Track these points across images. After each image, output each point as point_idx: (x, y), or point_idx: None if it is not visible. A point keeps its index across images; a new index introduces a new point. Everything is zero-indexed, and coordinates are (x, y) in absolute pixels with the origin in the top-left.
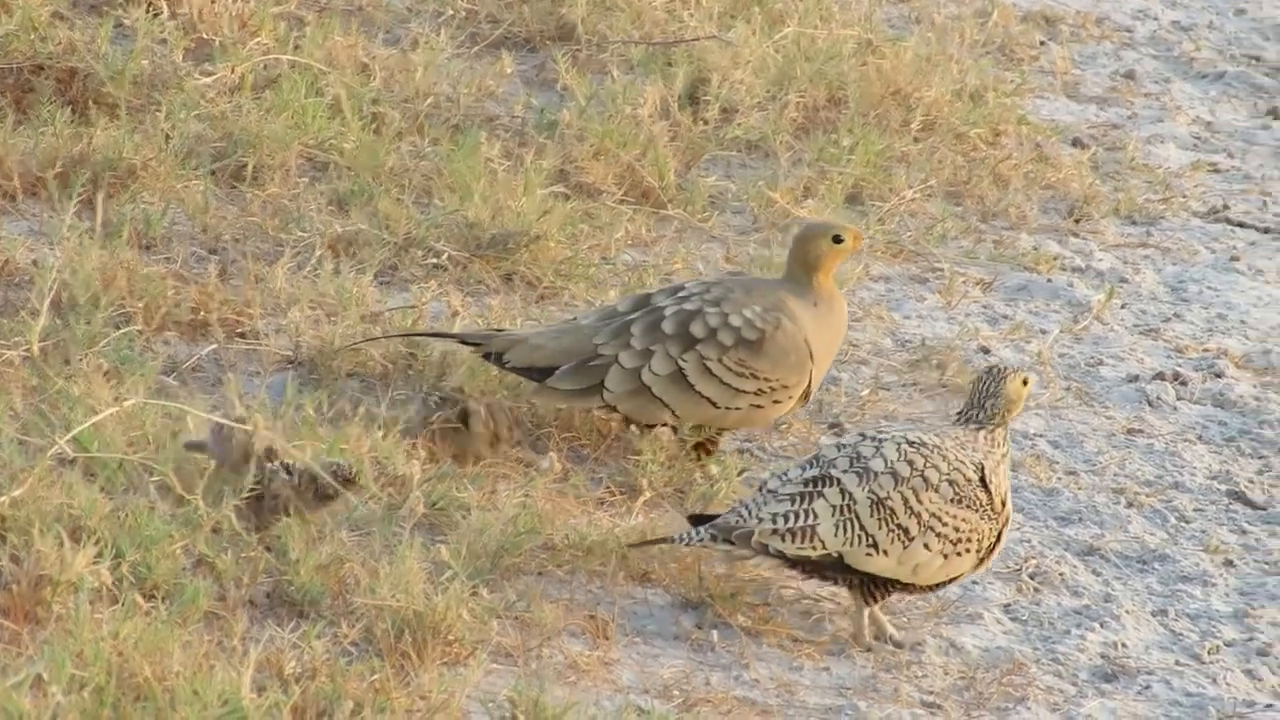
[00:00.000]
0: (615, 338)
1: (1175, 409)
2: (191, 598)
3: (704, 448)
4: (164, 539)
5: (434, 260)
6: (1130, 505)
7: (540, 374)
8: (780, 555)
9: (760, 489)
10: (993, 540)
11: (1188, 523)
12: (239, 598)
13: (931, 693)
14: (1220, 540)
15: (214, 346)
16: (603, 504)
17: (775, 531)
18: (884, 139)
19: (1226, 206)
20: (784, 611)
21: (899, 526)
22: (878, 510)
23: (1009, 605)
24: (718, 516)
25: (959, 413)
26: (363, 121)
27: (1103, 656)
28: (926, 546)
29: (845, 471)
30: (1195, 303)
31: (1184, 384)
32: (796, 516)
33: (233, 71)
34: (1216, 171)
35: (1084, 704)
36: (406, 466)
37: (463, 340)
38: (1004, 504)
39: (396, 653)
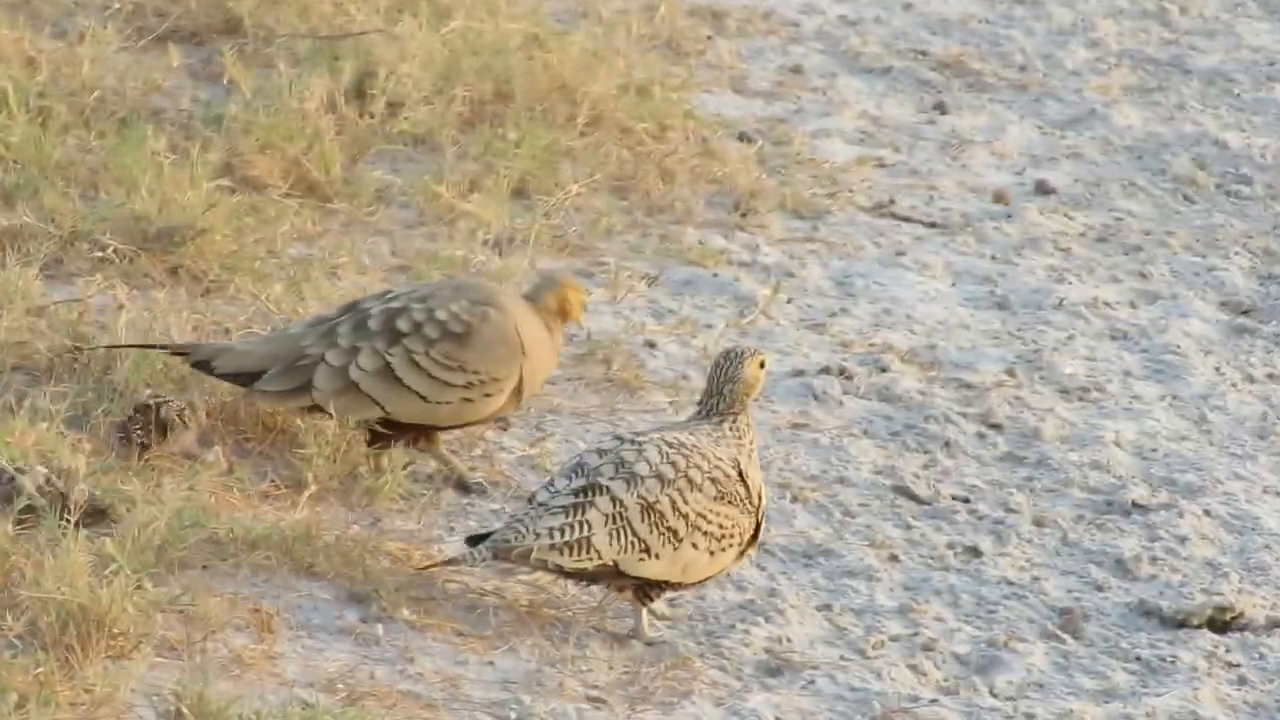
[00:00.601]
0: (322, 338)
1: (841, 404)
2: None
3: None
4: None
5: (100, 254)
6: (795, 500)
7: (249, 378)
8: (559, 569)
9: (530, 501)
10: (752, 532)
11: (853, 517)
12: None
13: (596, 687)
14: (885, 535)
15: None
16: (268, 498)
17: (553, 546)
18: (550, 133)
19: (893, 201)
20: (449, 606)
21: (668, 529)
22: (648, 515)
23: (673, 600)
24: (491, 535)
25: (699, 403)
26: (29, 115)
27: (767, 651)
28: (694, 545)
29: (612, 478)
30: (861, 297)
31: (850, 379)
32: (571, 529)
33: None
34: (883, 166)
35: (749, 699)
36: (72, 460)
37: (169, 350)
38: (760, 496)
39: (61, 646)
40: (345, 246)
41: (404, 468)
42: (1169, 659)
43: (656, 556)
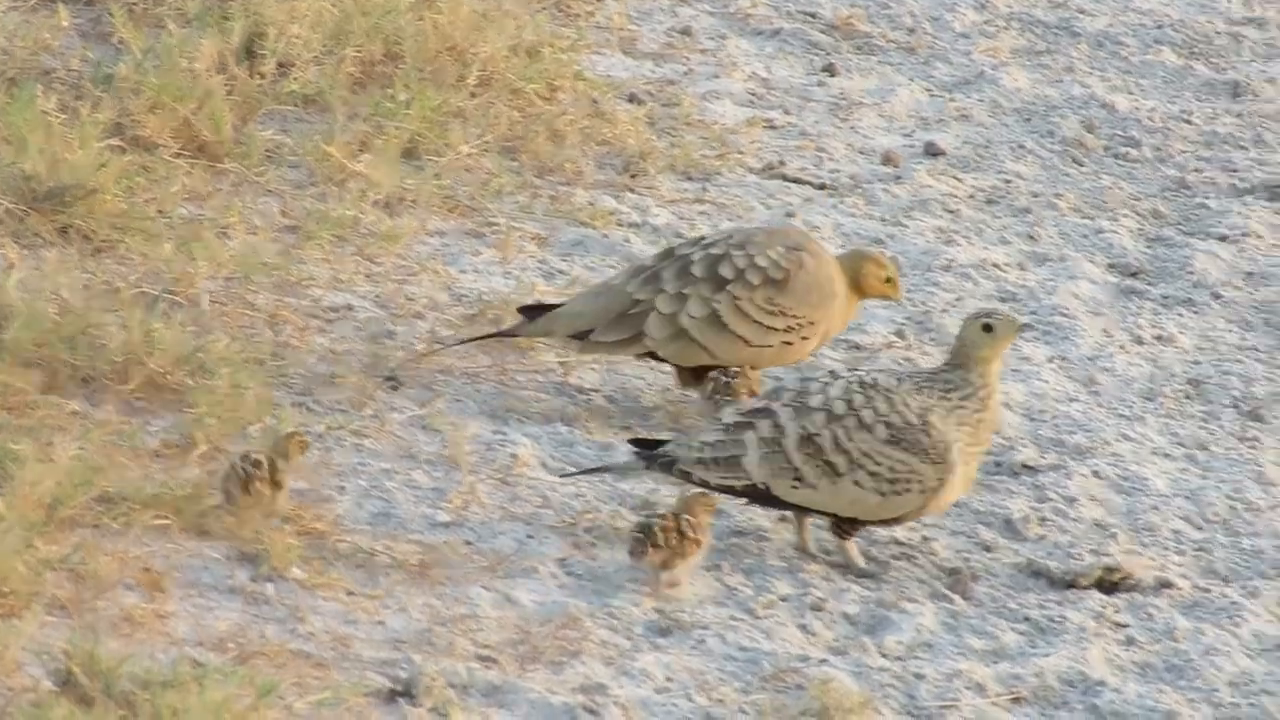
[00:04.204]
0: (646, 285)
1: None
2: None
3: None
4: None
5: None
6: None
7: (587, 334)
8: (704, 484)
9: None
10: (937, 482)
11: None
12: None
13: (487, 646)
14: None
15: None
16: (158, 457)
17: (700, 460)
18: (440, 94)
19: (782, 163)
20: (340, 565)
21: (825, 462)
22: (805, 445)
23: (564, 559)
24: (661, 444)
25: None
26: None
27: (657, 611)
28: (857, 484)
29: (784, 405)
30: None
31: None
32: (724, 446)
33: None
34: (772, 128)
35: (638, 658)
36: None
37: (496, 335)
38: (949, 451)
39: None
40: (235, 207)
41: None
42: (1057, 619)
43: (813, 486)
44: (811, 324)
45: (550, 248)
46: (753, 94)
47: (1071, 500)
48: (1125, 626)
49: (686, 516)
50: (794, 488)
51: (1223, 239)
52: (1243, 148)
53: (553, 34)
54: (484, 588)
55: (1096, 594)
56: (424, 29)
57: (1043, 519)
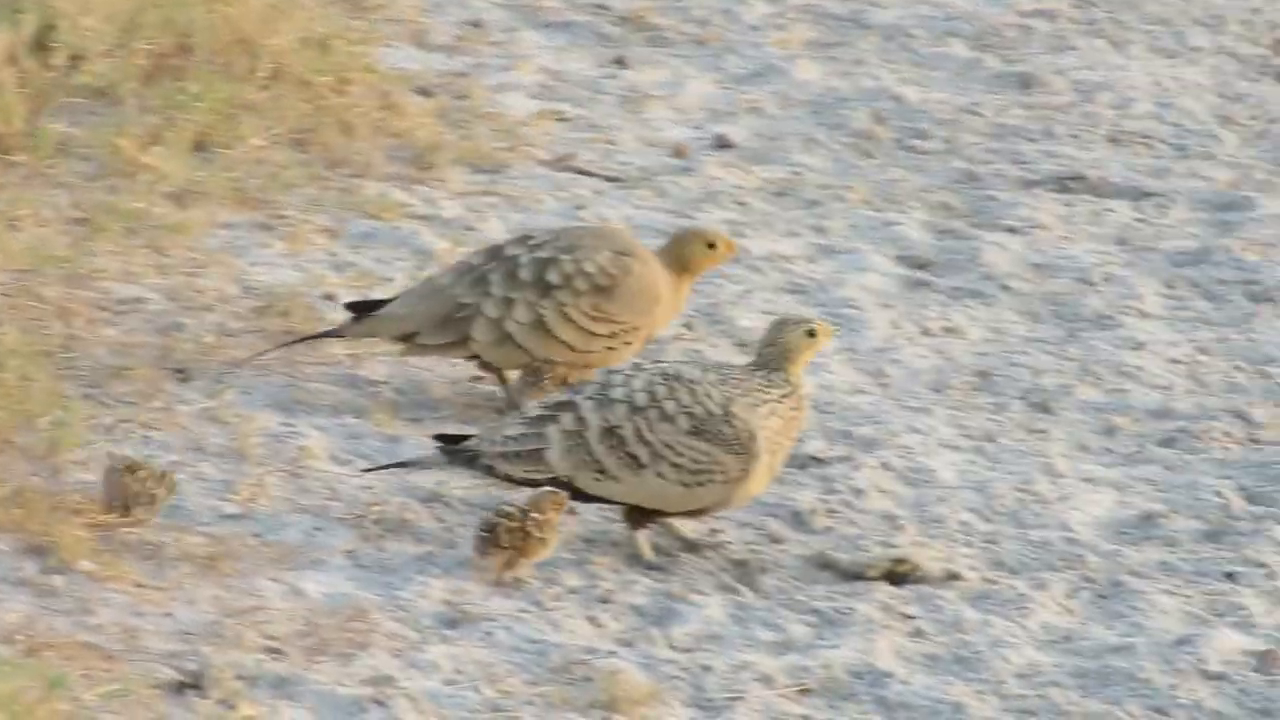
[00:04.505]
0: (474, 288)
1: None
2: None
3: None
4: None
5: None
6: None
7: (413, 336)
8: (508, 478)
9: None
10: (740, 473)
11: None
12: None
13: (275, 638)
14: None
15: None
16: None
17: (504, 454)
18: (231, 86)
19: (573, 155)
20: (129, 557)
21: (628, 454)
22: (607, 438)
23: (352, 551)
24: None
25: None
26: None
27: (446, 603)
28: (660, 475)
29: (587, 398)
30: None
31: None
32: (528, 439)
33: None
34: (563, 120)
35: (427, 650)
36: None
37: (320, 336)
38: (753, 440)
39: None
40: (26, 199)
41: (85, 419)
42: (845, 611)
43: (615, 479)
44: (635, 329)
45: (340, 240)
46: (543, 86)
47: (859, 492)
48: (913, 618)
49: (534, 514)
50: (597, 480)
51: (1011, 231)
52: (1032, 140)
53: (344, 26)
54: (272, 580)
55: (884, 586)
56: (215, 21)
57: (831, 511)
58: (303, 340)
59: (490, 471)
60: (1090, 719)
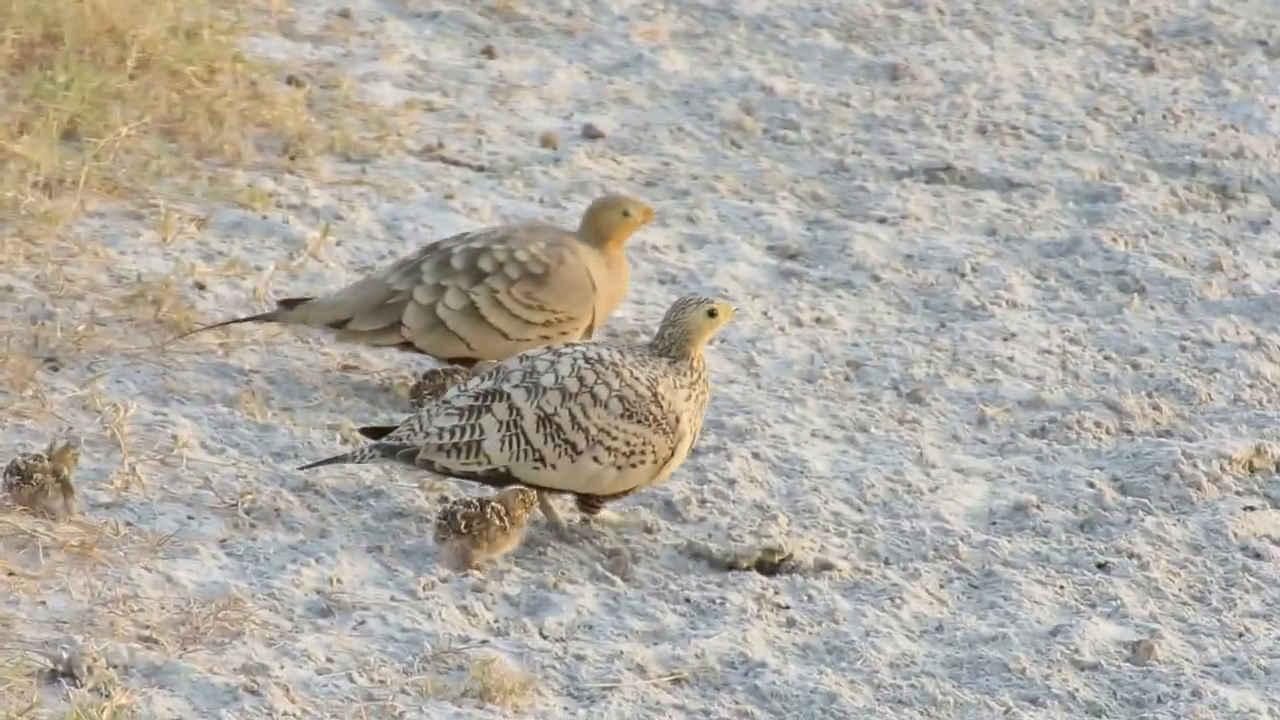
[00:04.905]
0: (407, 276)
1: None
2: None
3: None
4: None
5: None
6: (345, 441)
7: (344, 324)
8: (446, 471)
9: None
10: (669, 453)
11: None
12: None
13: (148, 627)
14: (435, 478)
15: None
16: None
17: (441, 447)
18: (100, 76)
19: (441, 145)
20: (0, 546)
21: (566, 441)
22: (544, 425)
23: (225, 540)
24: (390, 430)
25: (652, 342)
26: None
27: (318, 592)
28: (596, 460)
29: (516, 386)
30: (410, 240)
31: None
32: (463, 431)
33: None
34: (431, 110)
35: (300, 639)
36: None
37: (255, 319)
38: (678, 422)
39: None
40: None
41: None
42: (718, 601)
43: (553, 467)
44: (571, 319)
45: (210, 229)
46: (412, 76)
47: (732, 482)
48: (786, 608)
49: (495, 505)
50: (535, 469)
51: (881, 221)
52: (901, 131)
53: (212, 16)
54: (145, 568)
55: (757, 575)
56: (83, 11)
57: (703, 501)
58: (236, 322)
59: (429, 466)
60: (963, 709)
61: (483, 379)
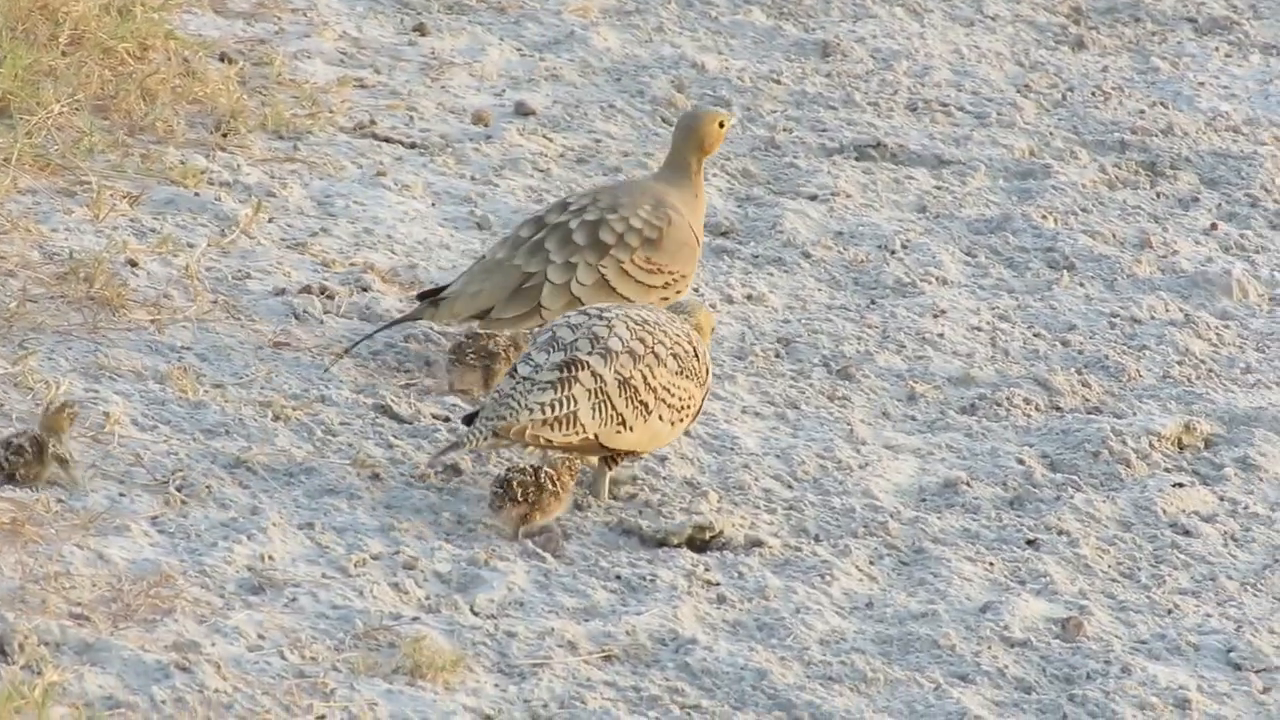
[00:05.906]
0: (534, 256)
1: (322, 322)
2: None
3: None
4: None
5: None
6: (277, 418)
7: (487, 313)
8: (549, 444)
9: (513, 375)
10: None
11: (334, 436)
12: None
13: (80, 604)
14: (367, 454)
15: None
16: None
17: (545, 422)
18: (32, 53)
19: (374, 122)
20: None
21: (641, 402)
22: (624, 389)
23: (156, 518)
24: (479, 413)
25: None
26: None
27: (250, 569)
28: (660, 418)
29: (589, 354)
30: (342, 217)
31: (331, 298)
32: (560, 404)
33: None
34: (363, 87)
35: (231, 616)
36: None
37: (402, 321)
38: (708, 371)
39: None
40: None
41: None
42: (649, 578)
43: (631, 429)
44: (684, 277)
45: (142, 206)
46: (344, 53)
47: (663, 459)
48: (716, 585)
49: (548, 471)
50: (618, 433)
51: (812, 198)
52: (832, 108)
53: None
54: (76, 546)
55: (688, 552)
56: None
57: (634, 477)
58: (387, 328)
59: (527, 439)
60: (893, 685)
61: (548, 351)
